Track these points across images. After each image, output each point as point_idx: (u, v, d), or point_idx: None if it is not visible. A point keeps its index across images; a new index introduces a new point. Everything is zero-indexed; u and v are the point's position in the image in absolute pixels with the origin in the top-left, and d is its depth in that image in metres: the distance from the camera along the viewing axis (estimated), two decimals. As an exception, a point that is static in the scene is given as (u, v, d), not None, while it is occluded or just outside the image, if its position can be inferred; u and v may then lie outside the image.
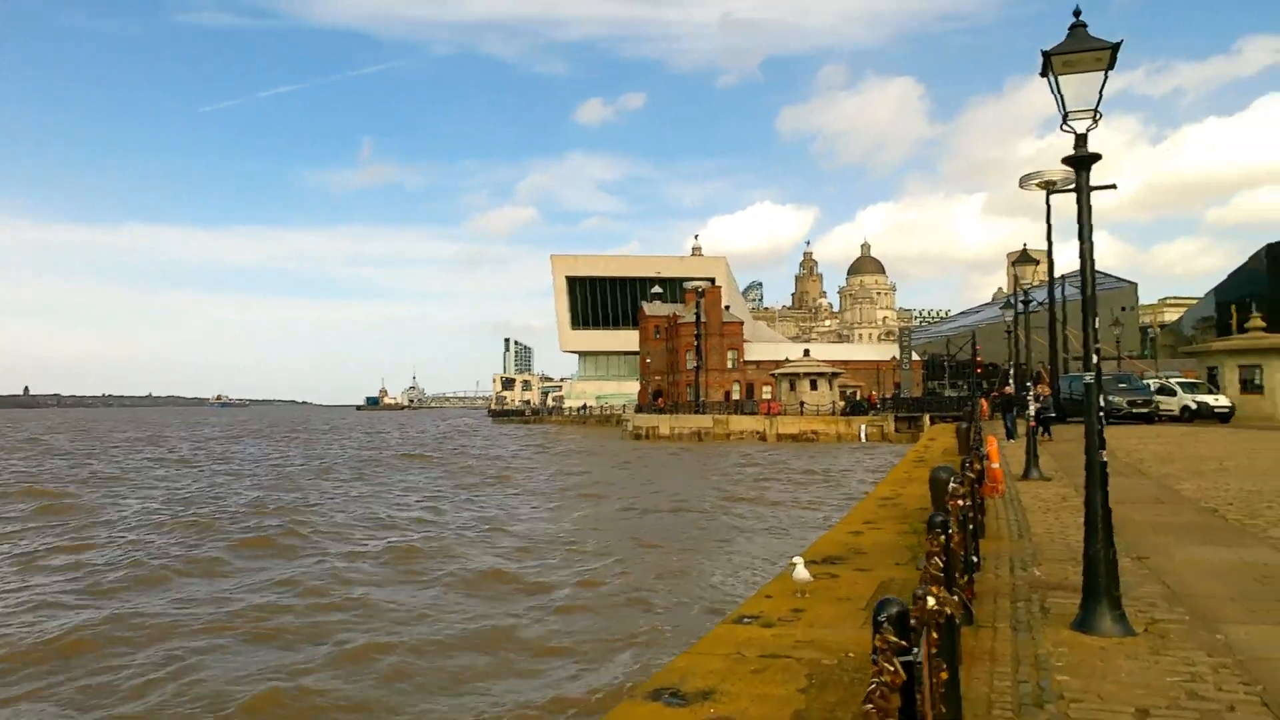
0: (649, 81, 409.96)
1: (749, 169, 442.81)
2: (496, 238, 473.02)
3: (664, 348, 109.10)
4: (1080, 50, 6.40)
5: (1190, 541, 10.13)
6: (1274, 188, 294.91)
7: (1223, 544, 9.94)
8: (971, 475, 8.42)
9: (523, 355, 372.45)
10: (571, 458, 53.46)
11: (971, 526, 8.14)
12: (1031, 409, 18.86)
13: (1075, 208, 6.75)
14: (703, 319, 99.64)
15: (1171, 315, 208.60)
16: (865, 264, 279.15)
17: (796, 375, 65.00)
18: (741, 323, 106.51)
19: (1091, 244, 6.67)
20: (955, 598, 4.76)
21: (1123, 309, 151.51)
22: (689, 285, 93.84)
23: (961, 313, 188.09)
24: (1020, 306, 23.67)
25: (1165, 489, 14.94)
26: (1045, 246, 28.16)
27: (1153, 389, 35.36)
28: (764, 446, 55.79)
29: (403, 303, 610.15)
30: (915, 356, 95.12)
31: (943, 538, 4.70)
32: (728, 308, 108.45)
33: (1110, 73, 6.42)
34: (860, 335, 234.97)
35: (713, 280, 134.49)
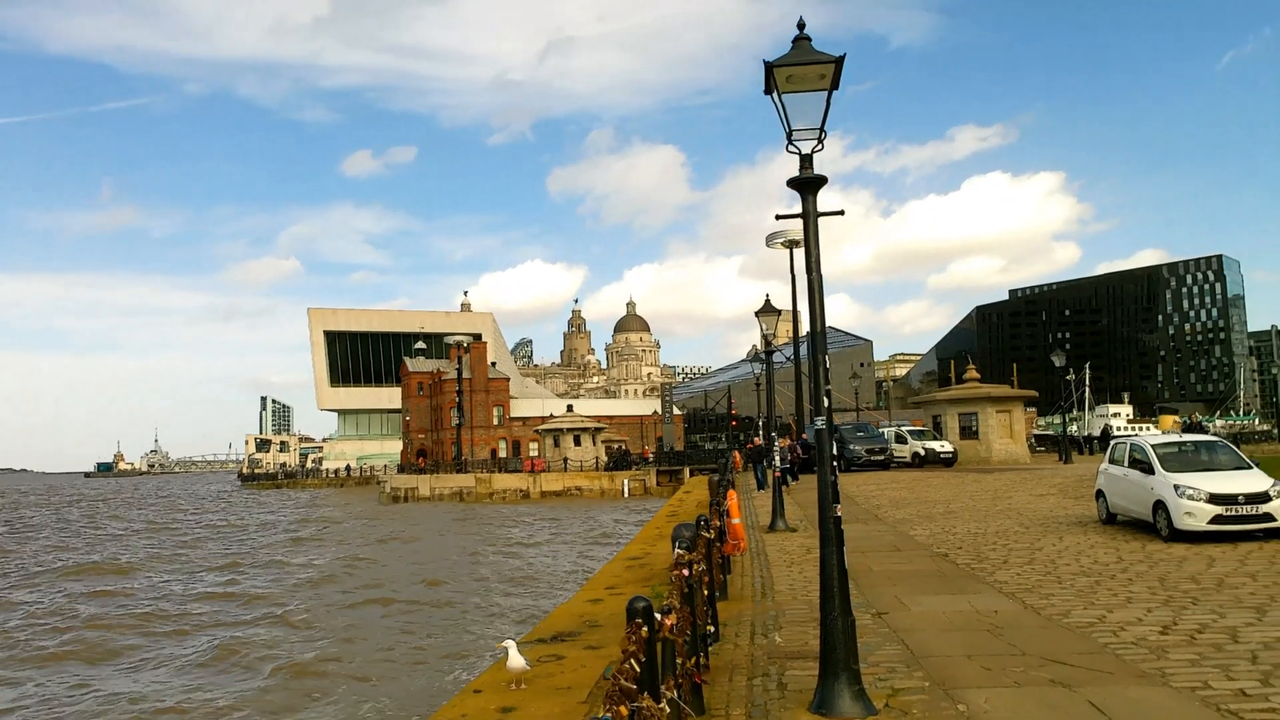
0: (419, 135, 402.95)
1: (519, 226, 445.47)
2: (254, 289, 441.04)
3: (428, 405, 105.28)
4: (804, 63, 5.90)
5: (926, 590, 9.95)
6: (982, 257, 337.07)
7: (955, 591, 9.84)
8: (708, 536, 7.62)
9: (281, 414, 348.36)
10: (316, 525, 49.29)
11: (708, 592, 7.34)
12: (778, 460, 18.96)
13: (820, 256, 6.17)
14: (467, 375, 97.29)
15: (902, 370, 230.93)
16: (631, 322, 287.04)
17: (560, 431, 64.35)
18: (508, 379, 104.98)
19: (820, 275, 6.10)
20: (665, 707, 3.71)
21: (861, 364, 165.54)
22: (451, 340, 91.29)
23: (720, 369, 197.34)
24: (767, 359, 24.07)
25: (901, 535, 15.20)
26: (794, 304, 29.04)
27: (888, 438, 37.75)
28: (527, 505, 54.33)
29: (143, 357, 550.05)
30: (677, 411, 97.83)
31: (645, 629, 3.66)
32: (494, 364, 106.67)
33: (835, 91, 5.95)
34: (626, 391, 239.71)
35: (479, 336, 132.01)
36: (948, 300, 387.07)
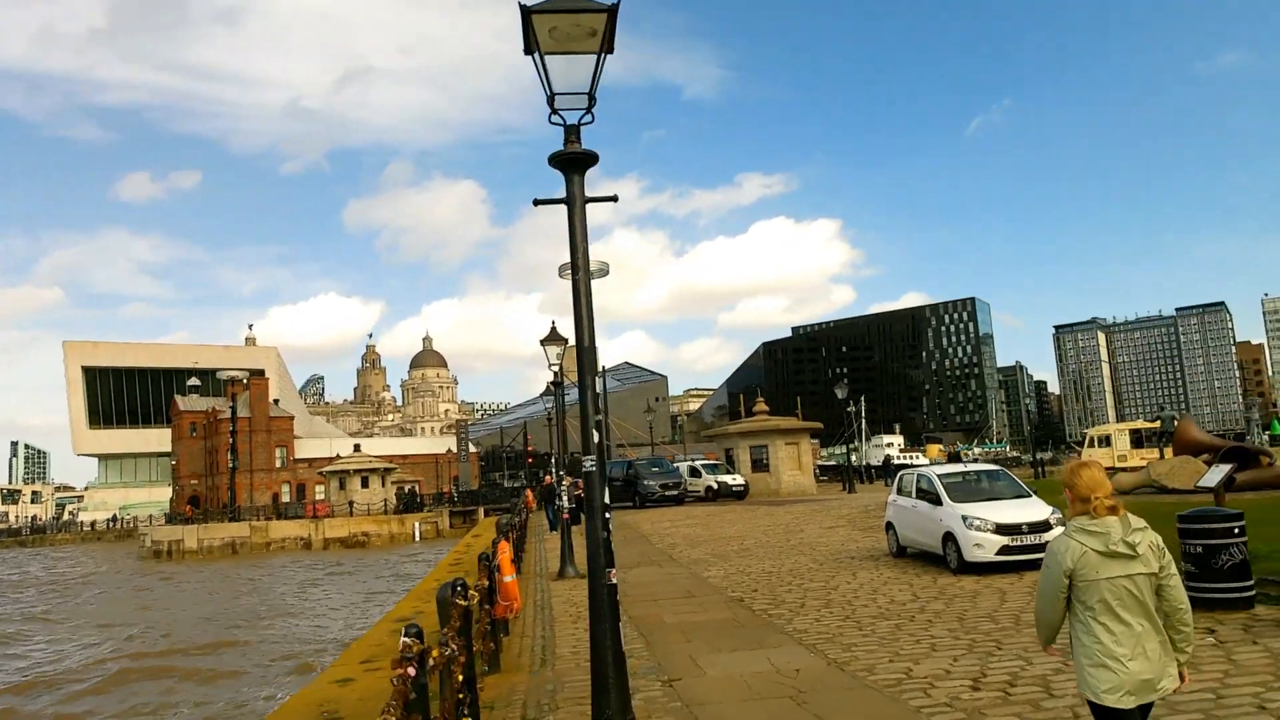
0: (205, 160, 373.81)
1: (313, 259, 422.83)
2: (5, 322, 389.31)
3: (201, 447, 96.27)
4: (571, 10, 4.84)
5: (722, 646, 8.96)
6: (767, 296, 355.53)
7: (754, 644, 8.91)
8: (464, 605, 6.18)
9: (36, 460, 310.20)
10: (34, 592, 42.88)
11: (464, 676, 5.91)
12: (565, 500, 17.71)
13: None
14: (246, 414, 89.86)
15: (695, 404, 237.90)
16: (427, 358, 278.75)
17: (346, 473, 60.07)
18: (292, 417, 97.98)
19: (589, 275, 5.03)
20: None
21: (656, 399, 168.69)
22: (223, 375, 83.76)
23: (519, 404, 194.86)
24: (556, 391, 22.94)
25: (696, 578, 14.32)
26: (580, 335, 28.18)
27: (682, 472, 37.59)
28: (308, 556, 49.99)
29: None
30: (473, 448, 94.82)
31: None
32: (276, 401, 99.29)
33: (589, 55, 4.84)
34: (423, 429, 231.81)
35: (261, 372, 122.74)
36: (737, 337, 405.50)
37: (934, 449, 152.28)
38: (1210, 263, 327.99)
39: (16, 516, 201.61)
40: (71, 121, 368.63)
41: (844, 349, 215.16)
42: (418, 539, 52.58)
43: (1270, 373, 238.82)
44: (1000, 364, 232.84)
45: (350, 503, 57.51)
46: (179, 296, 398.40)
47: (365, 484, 59.66)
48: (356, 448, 70.72)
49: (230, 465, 74.93)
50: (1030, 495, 12.60)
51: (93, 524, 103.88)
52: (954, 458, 60.13)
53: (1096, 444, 40.22)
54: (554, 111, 4.92)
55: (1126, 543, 3.38)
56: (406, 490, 65.59)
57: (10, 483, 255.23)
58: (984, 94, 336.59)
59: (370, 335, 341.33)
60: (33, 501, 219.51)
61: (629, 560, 16.45)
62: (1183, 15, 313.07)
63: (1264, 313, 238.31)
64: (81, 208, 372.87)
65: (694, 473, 38.30)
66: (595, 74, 4.92)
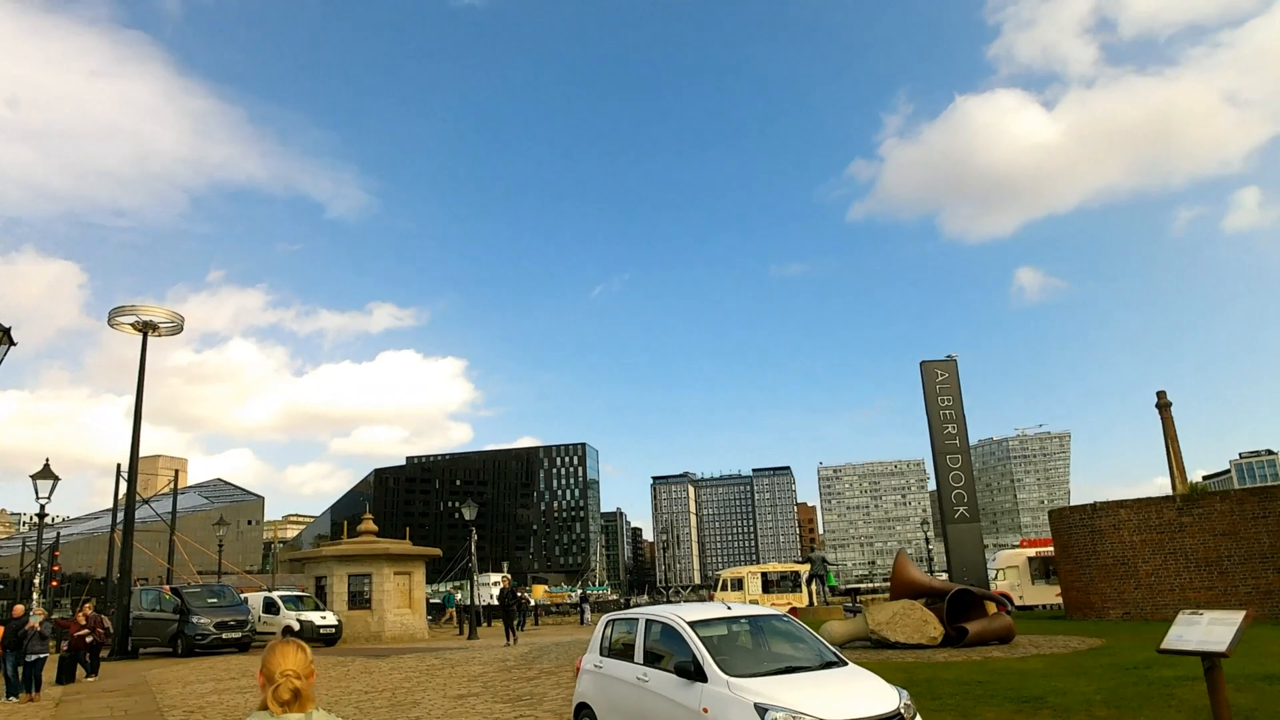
0: None
1: None
2: None
3: None
4: None
5: None
6: (386, 426, 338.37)
7: None
8: None
9: None
10: None
11: None
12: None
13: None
14: None
15: (294, 531, 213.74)
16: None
17: None
18: None
19: None
20: None
21: (249, 521, 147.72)
22: None
23: (79, 517, 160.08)
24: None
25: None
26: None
27: (251, 606, 28.33)
28: None
29: None
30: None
31: None
32: None
33: None
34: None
35: None
36: (350, 465, 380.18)
37: (539, 589, 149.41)
38: (779, 429, 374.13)
39: None
40: None
41: (458, 481, 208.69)
42: None
43: (821, 530, 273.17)
44: (603, 509, 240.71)
45: None
46: None
47: None
48: None
49: None
50: (845, 663, 7.46)
51: None
52: (583, 599, 55.67)
53: (729, 586, 37.88)
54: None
55: None
56: None
57: None
58: (610, 265, 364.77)
59: None
60: None
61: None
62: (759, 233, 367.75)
63: (819, 477, 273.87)
64: None
65: (269, 607, 29.20)
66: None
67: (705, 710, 6.83)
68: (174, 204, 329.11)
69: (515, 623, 28.43)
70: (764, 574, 38.44)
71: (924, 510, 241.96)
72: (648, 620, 8.29)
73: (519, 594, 37.32)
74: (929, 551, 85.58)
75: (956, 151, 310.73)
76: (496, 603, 37.13)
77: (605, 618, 9.37)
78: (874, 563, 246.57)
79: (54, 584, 62.59)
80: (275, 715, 2.76)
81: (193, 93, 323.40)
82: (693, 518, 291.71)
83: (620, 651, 8.52)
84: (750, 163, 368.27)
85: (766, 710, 6.38)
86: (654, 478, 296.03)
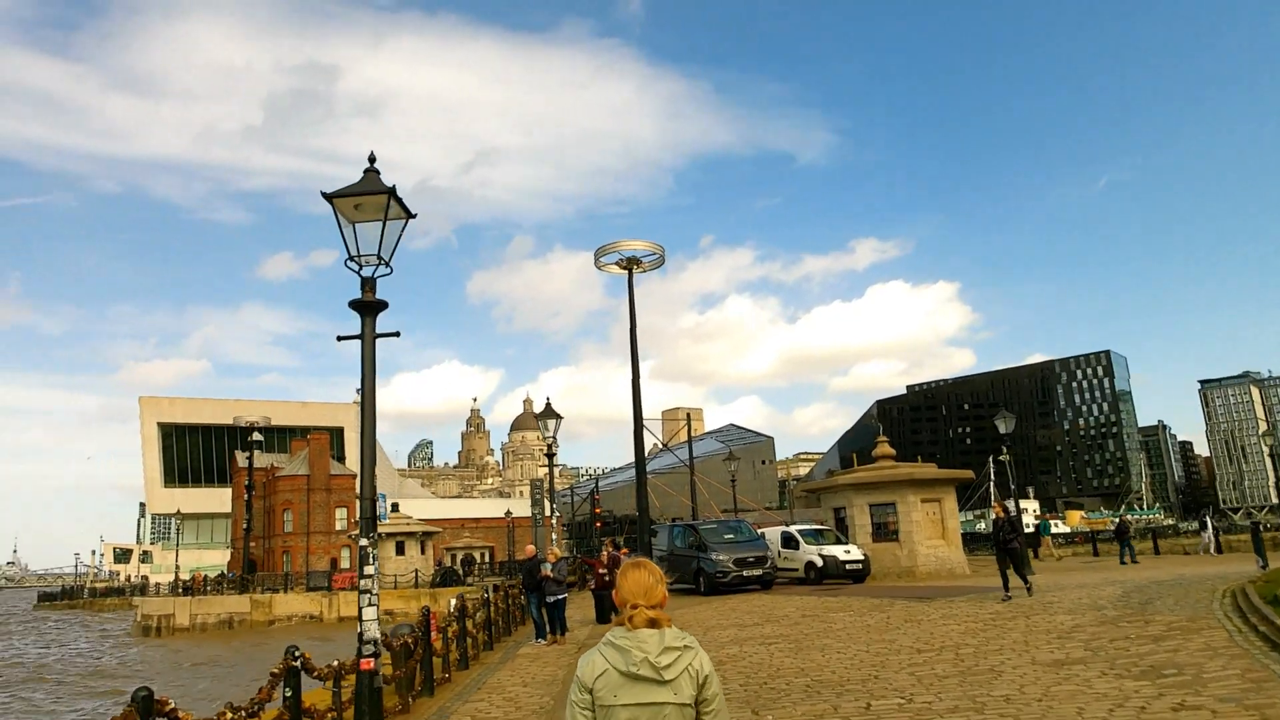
0: (337, 239, 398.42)
1: (433, 328, 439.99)
2: (158, 391, 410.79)
3: (261, 507, 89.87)
4: (359, 193, 6.77)
5: None
6: (882, 360, 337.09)
7: None
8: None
9: (163, 522, 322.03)
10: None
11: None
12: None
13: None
14: (305, 471, 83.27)
15: (805, 468, 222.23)
16: (527, 420, 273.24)
17: (378, 537, 51.13)
18: (354, 475, 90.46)
19: (374, 386, 6.81)
20: None
21: (762, 461, 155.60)
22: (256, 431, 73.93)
23: (617, 468, 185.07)
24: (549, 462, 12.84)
25: None
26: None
27: (769, 541, 26.40)
28: (317, 635, 40.76)
29: (11, 461, 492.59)
30: (547, 512, 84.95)
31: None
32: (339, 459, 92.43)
33: (395, 222, 6.84)
34: (521, 492, 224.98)
35: (342, 430, 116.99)
36: (851, 402, 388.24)
37: (1075, 515, 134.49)
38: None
39: (127, 576, 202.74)
40: (217, 206, 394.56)
41: (965, 406, 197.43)
42: (453, 619, 42.62)
43: None
44: (1140, 423, 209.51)
45: (373, 575, 48.15)
46: (306, 366, 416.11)
47: (400, 550, 50.42)
48: (395, 507, 61.06)
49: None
50: None
51: (157, 587, 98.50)
52: (1121, 529, 44.69)
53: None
54: (361, 266, 6.87)
55: (652, 664, 2.63)
56: (460, 559, 56.05)
57: (138, 543, 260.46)
58: (1110, 154, 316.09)
59: (474, 399, 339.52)
60: (142, 561, 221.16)
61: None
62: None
63: None
64: (225, 285, 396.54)
65: (788, 542, 27.08)
66: (381, 238, 6.82)
67: None
68: (660, 185, 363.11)
69: (1023, 567, 19.07)
70: None
71: None
72: None
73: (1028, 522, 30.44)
74: None
75: None
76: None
77: None
78: None
79: (597, 525, 70.39)
80: (630, 629, 2.77)
81: (663, 78, 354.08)
82: (1260, 424, 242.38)
83: None
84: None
85: None
86: (1201, 381, 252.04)
